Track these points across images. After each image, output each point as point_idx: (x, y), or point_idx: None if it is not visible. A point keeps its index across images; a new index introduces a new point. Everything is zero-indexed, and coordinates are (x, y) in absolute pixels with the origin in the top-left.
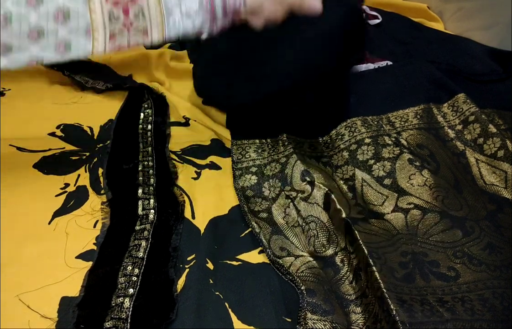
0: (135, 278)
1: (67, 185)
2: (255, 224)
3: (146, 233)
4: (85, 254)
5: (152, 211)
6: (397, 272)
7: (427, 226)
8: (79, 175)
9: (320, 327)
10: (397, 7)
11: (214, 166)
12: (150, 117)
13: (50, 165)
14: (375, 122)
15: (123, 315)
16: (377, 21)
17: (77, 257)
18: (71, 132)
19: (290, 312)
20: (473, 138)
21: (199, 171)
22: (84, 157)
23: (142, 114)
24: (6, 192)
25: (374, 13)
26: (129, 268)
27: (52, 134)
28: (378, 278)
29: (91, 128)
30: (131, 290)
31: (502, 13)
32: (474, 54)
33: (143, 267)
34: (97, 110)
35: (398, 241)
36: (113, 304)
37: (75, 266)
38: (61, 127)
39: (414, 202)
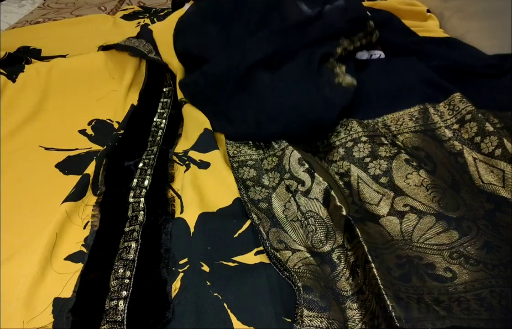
0: (128, 280)
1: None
2: (254, 216)
3: (135, 234)
4: (74, 256)
5: (142, 212)
6: (394, 271)
7: (423, 230)
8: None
9: (317, 324)
10: (397, 11)
11: (203, 164)
12: (167, 110)
13: (73, 165)
14: (371, 126)
15: (119, 317)
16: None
17: (65, 259)
18: (101, 129)
19: (289, 312)
20: (470, 137)
21: (188, 168)
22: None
23: (160, 105)
24: (14, 191)
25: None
26: (121, 271)
27: (83, 131)
28: (376, 274)
29: (119, 123)
30: (124, 293)
31: (502, 14)
32: (470, 53)
33: (134, 269)
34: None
35: (393, 246)
36: (107, 308)
37: (65, 268)
38: (93, 123)
39: (410, 204)
